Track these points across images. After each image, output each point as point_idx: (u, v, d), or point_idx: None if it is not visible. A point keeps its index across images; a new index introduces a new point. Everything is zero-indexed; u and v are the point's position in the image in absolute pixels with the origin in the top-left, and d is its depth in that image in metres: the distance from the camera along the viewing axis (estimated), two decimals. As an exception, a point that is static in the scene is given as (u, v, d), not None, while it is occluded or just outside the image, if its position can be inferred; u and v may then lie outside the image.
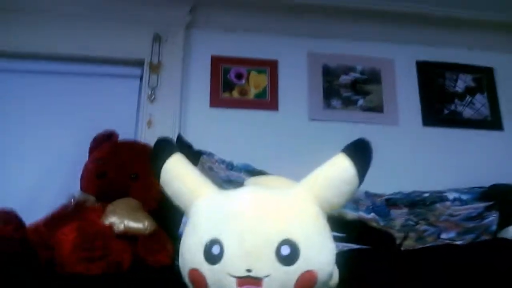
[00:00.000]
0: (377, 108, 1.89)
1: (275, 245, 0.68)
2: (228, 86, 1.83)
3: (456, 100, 1.95)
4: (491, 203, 1.55)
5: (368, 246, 1.36)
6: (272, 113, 1.83)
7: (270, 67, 1.88)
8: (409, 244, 1.46)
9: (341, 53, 1.93)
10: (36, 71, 1.73)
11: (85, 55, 1.73)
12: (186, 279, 0.75)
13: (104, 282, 0.98)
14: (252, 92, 1.84)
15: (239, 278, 0.67)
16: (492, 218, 1.52)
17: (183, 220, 1.28)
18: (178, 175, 0.80)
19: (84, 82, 1.74)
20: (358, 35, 1.96)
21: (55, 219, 1.12)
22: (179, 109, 1.73)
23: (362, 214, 1.51)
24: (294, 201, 0.75)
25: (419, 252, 1.37)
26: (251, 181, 0.98)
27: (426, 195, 1.58)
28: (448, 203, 1.54)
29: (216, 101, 1.80)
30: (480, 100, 1.96)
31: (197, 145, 1.58)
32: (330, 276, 0.74)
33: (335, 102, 1.87)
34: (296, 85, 1.87)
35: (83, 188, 1.31)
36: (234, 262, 0.67)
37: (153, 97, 1.71)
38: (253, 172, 1.53)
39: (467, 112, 1.94)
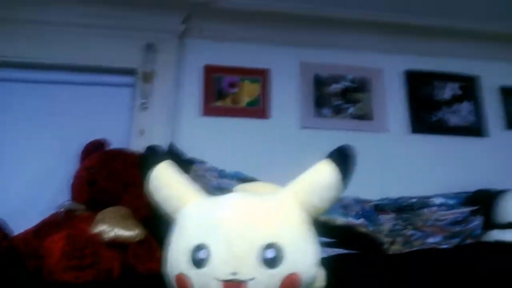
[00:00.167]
0: (367, 116, 1.92)
1: (260, 248, 0.70)
2: (221, 95, 1.86)
3: (443, 108, 1.99)
4: (476, 207, 1.58)
5: (357, 251, 1.39)
6: (264, 121, 1.86)
7: (262, 76, 1.91)
8: (396, 248, 1.48)
9: (332, 63, 1.97)
10: (29, 80, 1.74)
11: (78, 64, 1.75)
12: (173, 284, 0.77)
13: (94, 290, 0.99)
14: (245, 100, 1.87)
15: (224, 281, 0.69)
16: (477, 222, 1.55)
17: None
18: (165, 182, 0.82)
19: (77, 90, 1.76)
20: (348, 45, 2.00)
21: (45, 227, 1.13)
22: (171, 117, 1.75)
23: (352, 220, 1.54)
24: (279, 206, 0.78)
25: (406, 256, 1.40)
26: (239, 187, 1.00)
27: (414, 200, 1.61)
28: (434, 208, 1.58)
29: (208, 110, 1.83)
30: (466, 107, 2.00)
31: (189, 153, 1.60)
32: (314, 278, 0.77)
33: (326, 111, 1.91)
34: (288, 94, 1.90)
35: (73, 196, 1.32)
36: (220, 266, 0.70)
37: (145, 106, 1.72)
38: (245, 180, 1.55)
39: (454, 120, 1.98)
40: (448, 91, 2.02)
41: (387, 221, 1.56)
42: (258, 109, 1.87)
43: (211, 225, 0.74)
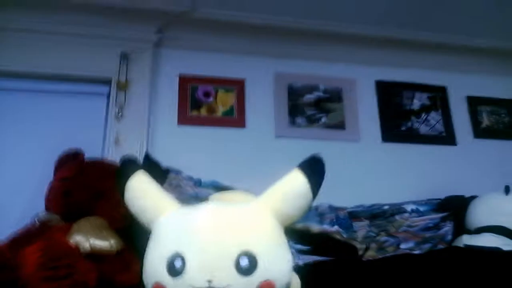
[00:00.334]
0: (339, 125, 1.96)
1: (234, 256, 0.71)
2: (196, 104, 1.87)
3: (412, 118, 2.05)
4: (446, 213, 1.63)
5: (332, 257, 1.41)
6: (240, 131, 1.87)
7: (237, 86, 1.93)
8: (370, 254, 1.51)
9: (305, 73, 2.01)
10: (3, 88, 1.72)
11: (52, 73, 1.74)
12: None
13: (70, 301, 0.98)
14: (220, 110, 1.88)
15: (200, 289, 0.70)
16: (447, 228, 1.60)
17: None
18: (141, 193, 0.83)
19: (51, 99, 1.74)
20: (321, 56, 2.05)
21: (20, 238, 1.11)
22: (147, 127, 1.75)
23: (326, 227, 1.56)
24: (252, 214, 0.79)
25: (381, 262, 1.43)
26: (214, 196, 1.01)
27: (386, 207, 1.65)
28: (406, 214, 1.62)
29: (184, 119, 1.83)
30: (434, 117, 2.07)
31: (165, 163, 1.59)
32: (288, 285, 0.78)
33: (300, 120, 1.94)
34: (263, 104, 1.93)
35: (48, 207, 1.30)
36: (195, 274, 0.70)
37: (120, 114, 1.72)
38: (221, 188, 1.56)
39: (423, 129, 2.04)
40: (417, 101, 2.08)
41: (361, 228, 1.59)
42: (233, 118, 1.88)
43: (186, 234, 0.75)
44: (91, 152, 1.48)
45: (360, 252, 1.52)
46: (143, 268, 0.79)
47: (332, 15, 1.94)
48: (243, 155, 1.82)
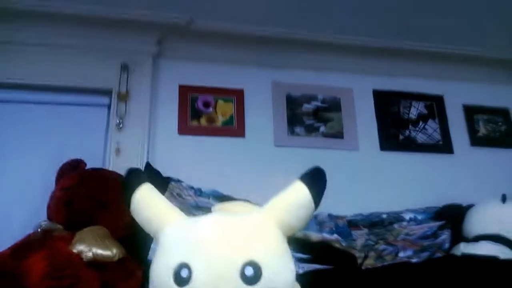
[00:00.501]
0: (338, 135, 1.98)
1: (240, 266, 0.73)
2: (196, 114, 1.88)
3: (410, 126, 2.07)
4: (443, 222, 1.65)
5: (332, 266, 1.42)
6: (239, 140, 1.89)
7: (236, 96, 1.94)
8: (369, 263, 1.53)
9: (303, 83, 2.03)
10: (5, 100, 1.73)
11: (54, 84, 1.75)
12: None
13: (74, 310, 0.98)
14: (220, 120, 1.90)
15: (206, 299, 0.71)
16: (445, 236, 1.62)
17: (153, 246, 1.31)
18: (147, 204, 0.85)
19: (53, 111, 1.75)
20: (319, 66, 2.07)
21: (22, 248, 1.12)
22: (147, 137, 1.76)
23: (326, 236, 1.58)
24: (256, 225, 0.81)
25: (380, 270, 1.44)
26: (217, 207, 1.03)
27: (385, 216, 1.67)
28: (404, 223, 1.63)
29: (184, 129, 1.85)
30: (432, 125, 2.09)
31: (165, 172, 1.61)
32: (291, 294, 0.80)
33: (299, 129, 1.96)
34: (262, 113, 1.94)
35: (50, 216, 1.31)
36: (202, 284, 0.72)
37: (121, 125, 1.73)
38: (221, 198, 1.58)
39: (421, 137, 2.06)
40: (414, 110, 2.10)
41: (360, 236, 1.61)
42: (233, 128, 1.90)
43: (192, 245, 0.76)
44: (92, 162, 1.50)
45: (359, 261, 1.53)
46: (149, 278, 0.81)
47: (328, 25, 1.96)
48: (243, 164, 1.83)
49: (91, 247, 1.10)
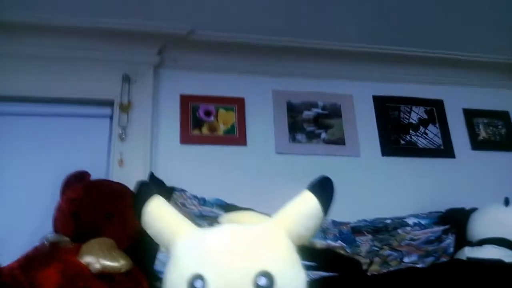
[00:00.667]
0: (339, 141, 1.99)
1: (253, 276, 0.74)
2: (198, 123, 1.89)
3: (411, 131, 2.08)
4: (447, 226, 1.65)
5: (337, 273, 1.42)
6: (241, 148, 1.89)
7: (237, 105, 1.95)
8: (374, 269, 1.53)
9: (303, 90, 2.04)
10: (7, 113, 1.73)
11: (56, 96, 1.75)
12: None
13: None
14: (221, 128, 1.90)
15: (221, 309, 0.72)
16: (449, 240, 1.62)
17: (158, 256, 1.31)
18: (158, 217, 0.86)
19: (55, 122, 1.75)
20: (319, 73, 2.08)
21: (30, 260, 1.12)
22: (150, 147, 1.76)
23: (330, 242, 1.58)
24: (267, 235, 0.82)
25: (386, 276, 1.44)
26: (224, 218, 1.04)
27: (388, 221, 1.67)
28: (408, 228, 1.64)
29: (186, 138, 1.85)
30: (432, 130, 2.10)
31: (168, 182, 1.61)
32: (303, 303, 0.80)
33: (300, 136, 1.96)
34: (263, 121, 1.95)
35: (56, 228, 1.31)
36: (216, 294, 0.72)
37: (123, 136, 1.73)
38: (225, 207, 1.58)
39: (422, 142, 2.06)
40: (414, 115, 2.11)
41: (364, 242, 1.61)
42: (234, 136, 1.90)
43: (205, 256, 0.77)
44: (95, 173, 1.50)
45: (364, 267, 1.53)
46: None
47: (327, 32, 1.97)
48: (245, 172, 1.84)
49: (99, 259, 1.10)
